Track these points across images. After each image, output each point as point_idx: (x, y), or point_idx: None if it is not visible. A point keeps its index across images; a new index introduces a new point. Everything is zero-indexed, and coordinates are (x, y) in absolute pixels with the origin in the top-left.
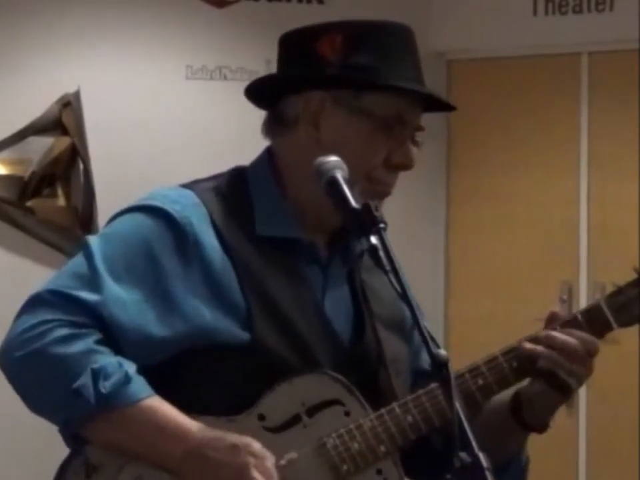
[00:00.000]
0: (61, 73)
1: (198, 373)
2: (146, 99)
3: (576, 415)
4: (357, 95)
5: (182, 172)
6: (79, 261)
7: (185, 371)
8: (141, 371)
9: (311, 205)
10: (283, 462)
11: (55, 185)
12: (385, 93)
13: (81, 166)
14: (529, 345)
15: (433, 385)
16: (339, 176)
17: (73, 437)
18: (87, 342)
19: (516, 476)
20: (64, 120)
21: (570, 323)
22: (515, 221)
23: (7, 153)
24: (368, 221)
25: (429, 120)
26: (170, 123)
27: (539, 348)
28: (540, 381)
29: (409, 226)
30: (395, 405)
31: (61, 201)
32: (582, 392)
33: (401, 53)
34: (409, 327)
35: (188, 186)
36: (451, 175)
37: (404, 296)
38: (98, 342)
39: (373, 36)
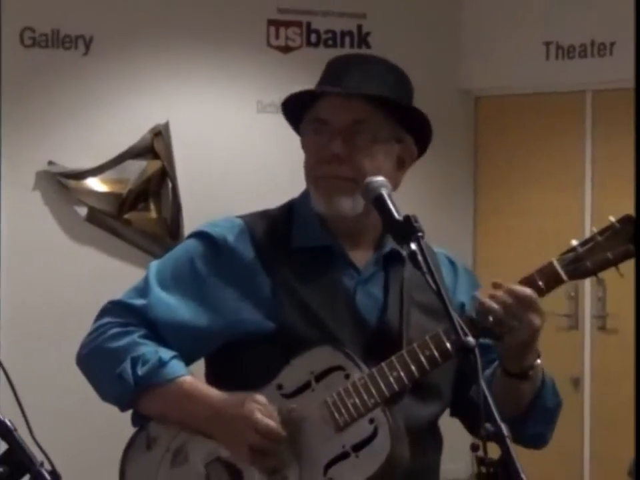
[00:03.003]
0: (153, 107)
1: (238, 359)
2: (223, 128)
3: (582, 393)
4: (311, 111)
5: (252, 189)
6: (140, 279)
7: (229, 358)
8: (205, 361)
9: (348, 219)
10: (287, 409)
11: (148, 200)
12: (314, 103)
13: (170, 184)
14: (475, 293)
15: (414, 345)
16: (385, 193)
17: (136, 417)
18: (132, 337)
19: (544, 418)
20: (155, 146)
21: (526, 280)
22: (530, 231)
23: (108, 174)
24: (409, 231)
25: (458, 146)
26: (244, 148)
27: (479, 296)
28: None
29: (440, 237)
30: (383, 364)
31: (153, 214)
32: (587, 372)
33: (337, 67)
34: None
35: (240, 215)
36: (477, 192)
37: (438, 293)
38: (142, 337)
39: (329, 63)
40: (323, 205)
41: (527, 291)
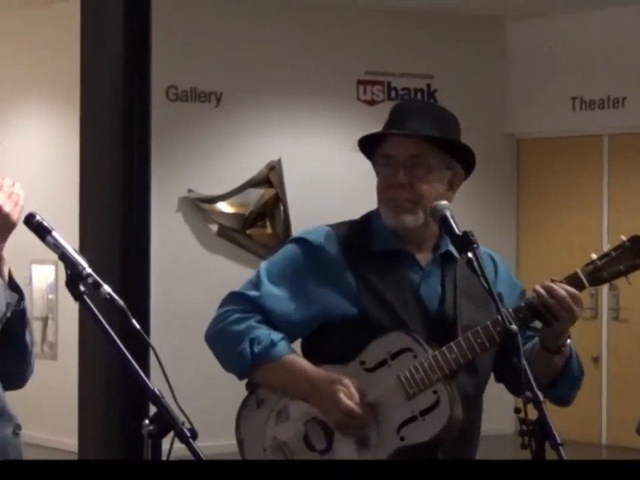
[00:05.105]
0: (268, 147)
1: (329, 338)
2: (324, 164)
3: (600, 369)
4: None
5: (346, 210)
6: (254, 274)
7: (322, 337)
8: (302, 340)
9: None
10: (369, 398)
11: (265, 219)
12: (381, 142)
13: (282, 207)
14: (537, 288)
15: (469, 333)
16: (448, 214)
17: (249, 383)
18: (250, 322)
19: (571, 383)
20: (271, 178)
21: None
22: (561, 243)
23: (234, 199)
24: (467, 243)
25: (504, 178)
26: (340, 179)
27: (542, 291)
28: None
29: (490, 248)
30: (444, 348)
31: (269, 230)
32: (604, 353)
33: (399, 113)
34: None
35: (329, 224)
36: (519, 215)
37: (489, 291)
38: (258, 322)
39: (393, 109)
40: (390, 221)
41: (576, 291)
